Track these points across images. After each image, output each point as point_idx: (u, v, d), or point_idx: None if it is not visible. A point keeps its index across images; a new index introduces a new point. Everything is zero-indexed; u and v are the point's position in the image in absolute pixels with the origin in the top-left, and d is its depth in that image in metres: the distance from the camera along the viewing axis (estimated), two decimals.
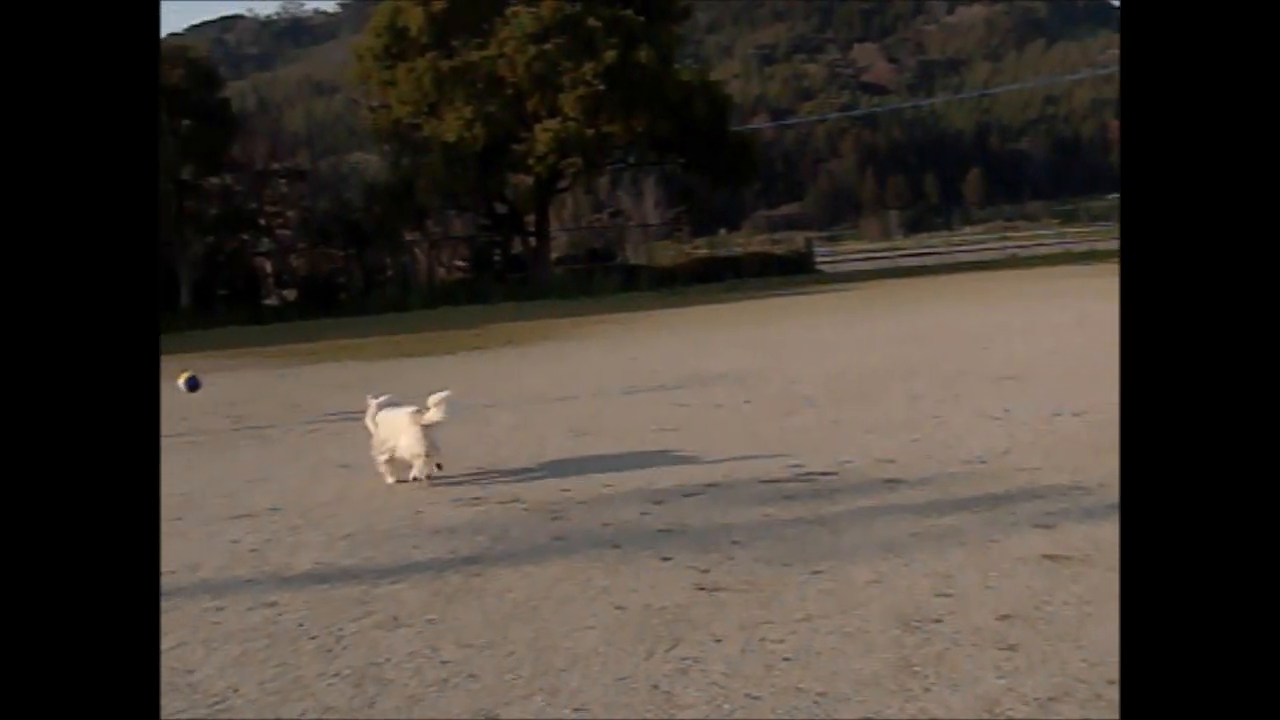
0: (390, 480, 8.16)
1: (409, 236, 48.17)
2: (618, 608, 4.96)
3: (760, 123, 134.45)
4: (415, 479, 8.06)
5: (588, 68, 37.67)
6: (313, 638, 4.83)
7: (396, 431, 8.14)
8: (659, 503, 6.98)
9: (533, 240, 46.28)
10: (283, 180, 47.27)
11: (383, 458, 8.25)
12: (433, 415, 7.99)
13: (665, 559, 5.69)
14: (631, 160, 48.56)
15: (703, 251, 57.84)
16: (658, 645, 4.44)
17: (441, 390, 8.14)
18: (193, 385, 12.26)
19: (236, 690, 4.27)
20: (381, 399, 8.54)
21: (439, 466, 8.16)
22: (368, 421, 8.50)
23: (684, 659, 4.26)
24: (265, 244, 48.05)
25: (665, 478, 7.75)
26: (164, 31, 61.02)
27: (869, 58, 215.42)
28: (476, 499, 7.45)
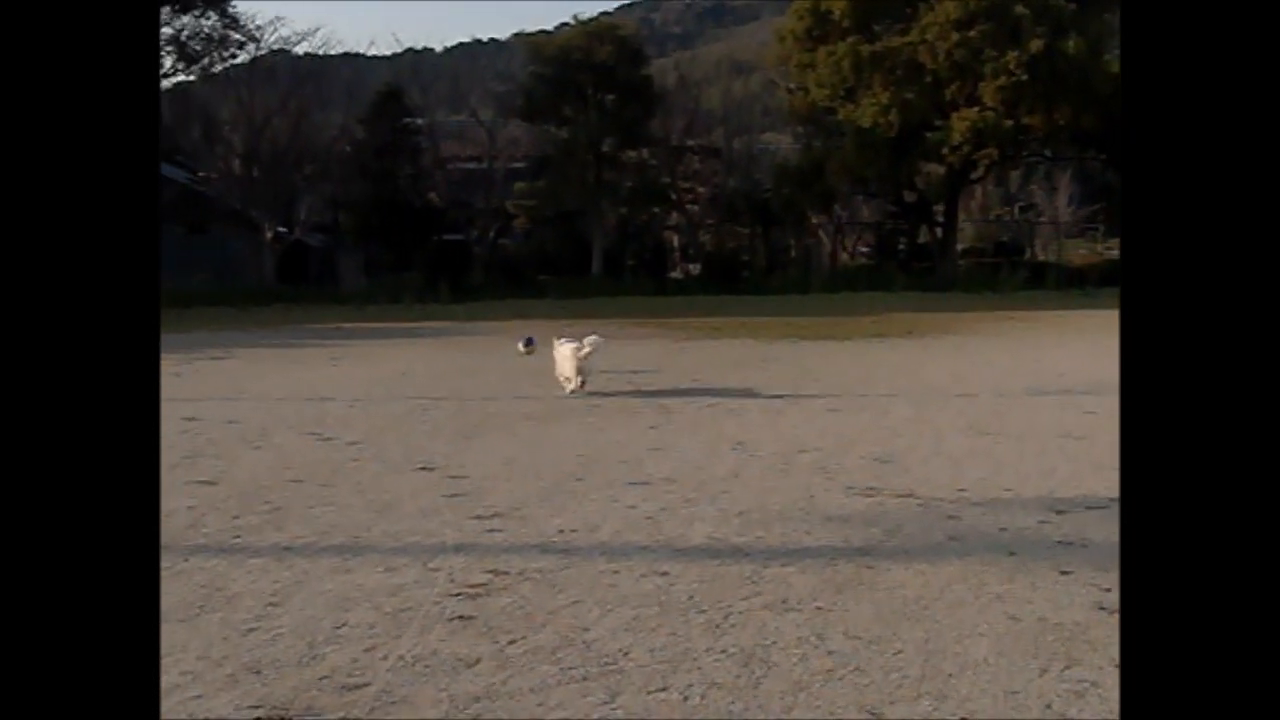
0: (567, 389, 12.37)
1: (815, 219, 48.34)
2: (1011, 618, 4.79)
3: None
4: (571, 392, 12.28)
5: (1011, 56, 36.43)
6: (702, 611, 4.89)
7: (564, 360, 12.36)
8: (1060, 512, 6.70)
9: (939, 230, 45.41)
10: (696, 157, 48.28)
11: (559, 375, 12.52)
12: (585, 352, 12.13)
13: (1064, 572, 5.46)
14: (1048, 154, 46.79)
15: (1116, 253, 55.22)
16: (1053, 662, 4.25)
17: (592, 336, 12.38)
18: (530, 344, 13.68)
19: (627, 654, 4.38)
20: (564, 339, 12.67)
21: (582, 385, 12.24)
22: (554, 352, 12.70)
23: (1081, 681, 4.06)
24: (675, 218, 49.32)
25: (1068, 487, 7.44)
26: (595, 10, 63.24)
27: None
28: (871, 489, 7.37)
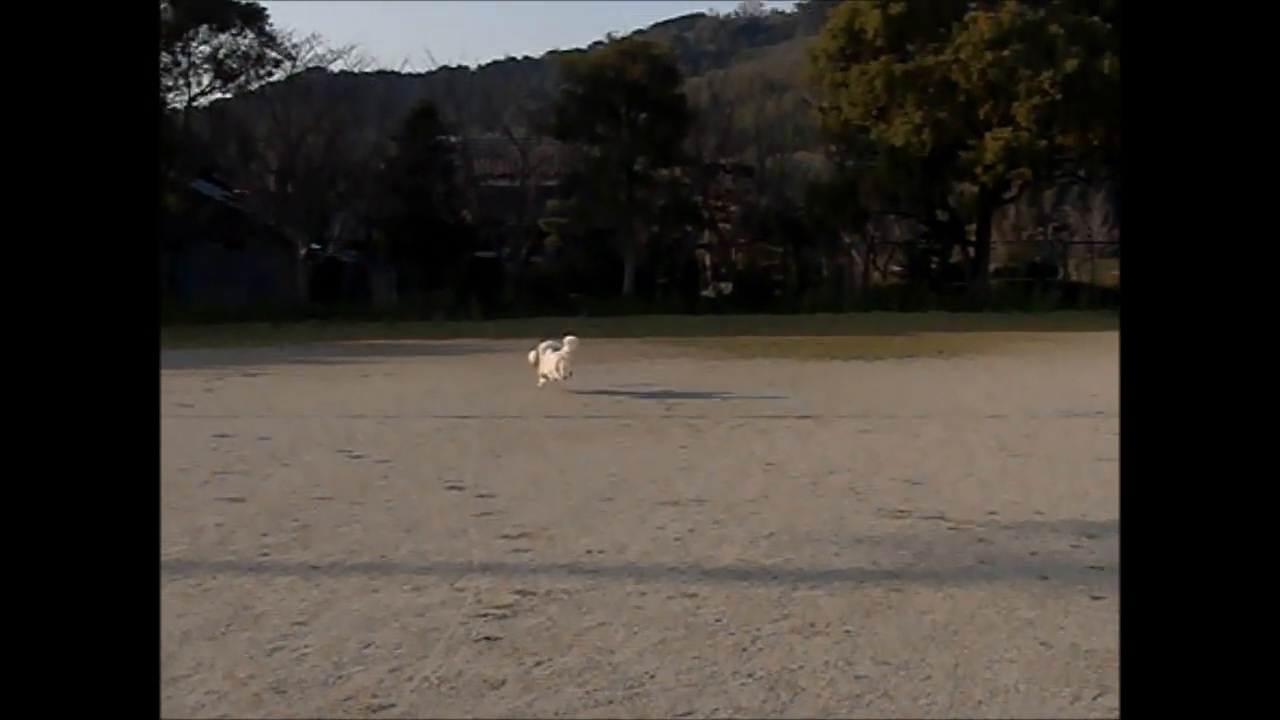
0: (540, 383, 14.47)
1: (847, 238, 48.20)
2: (1042, 644, 4.74)
3: None
4: (546, 381, 14.38)
5: (1045, 76, 36.21)
6: (730, 634, 4.87)
7: (548, 360, 14.32)
8: (1092, 536, 6.64)
9: (972, 250, 45.21)
10: (729, 175, 48.19)
11: (540, 373, 14.49)
12: (564, 352, 14.19)
13: (1096, 598, 5.40)
14: (1082, 174, 46.48)
15: None
16: (1084, 690, 4.21)
17: (571, 337, 14.44)
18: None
19: (653, 677, 4.35)
20: (546, 343, 14.71)
21: (566, 377, 14.24)
22: (540, 352, 14.63)
23: (1113, 710, 4.01)
24: (707, 237, 49.26)
25: (1100, 510, 7.37)
26: (629, 28, 63.27)
27: None
28: (901, 512, 7.33)
